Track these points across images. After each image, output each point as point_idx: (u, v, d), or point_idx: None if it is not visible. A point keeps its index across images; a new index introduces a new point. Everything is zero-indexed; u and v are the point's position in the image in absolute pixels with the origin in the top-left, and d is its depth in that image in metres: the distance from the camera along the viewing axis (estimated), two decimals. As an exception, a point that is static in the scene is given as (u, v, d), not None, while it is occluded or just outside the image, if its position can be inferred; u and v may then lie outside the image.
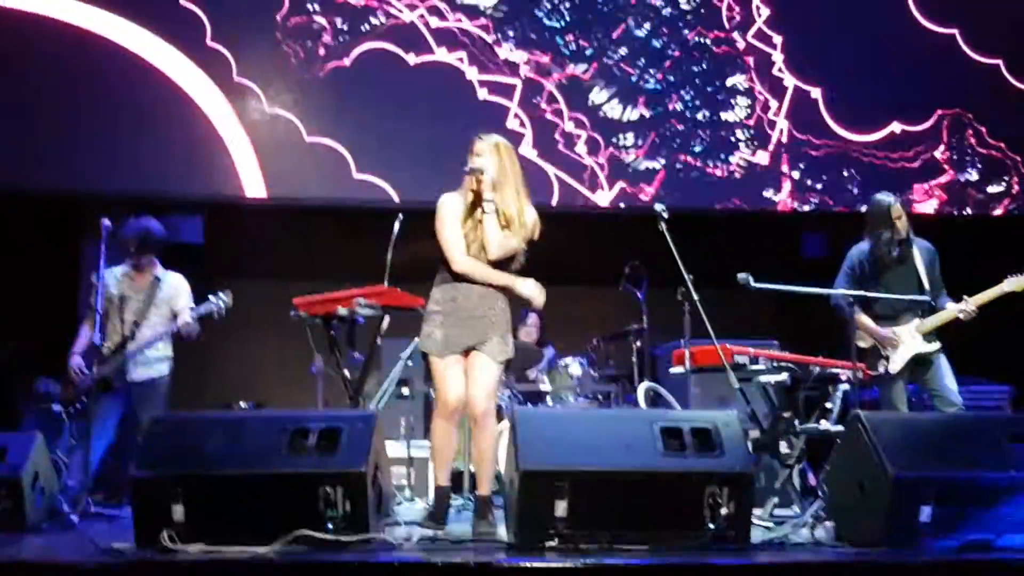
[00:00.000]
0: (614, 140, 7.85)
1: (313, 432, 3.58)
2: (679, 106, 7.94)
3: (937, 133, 8.03)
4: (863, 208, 5.82)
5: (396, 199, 7.55)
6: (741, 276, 4.74)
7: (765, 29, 8.03)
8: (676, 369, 5.03)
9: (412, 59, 7.69)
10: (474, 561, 3.28)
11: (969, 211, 8.05)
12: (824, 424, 4.83)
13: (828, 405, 4.93)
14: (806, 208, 7.98)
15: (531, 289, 4.16)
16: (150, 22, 7.43)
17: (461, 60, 7.74)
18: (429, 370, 4.32)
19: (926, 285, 5.29)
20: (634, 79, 7.91)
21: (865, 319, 5.24)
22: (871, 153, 7.96)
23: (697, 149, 7.91)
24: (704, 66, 7.97)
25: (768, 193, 7.96)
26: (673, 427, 3.64)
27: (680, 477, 3.51)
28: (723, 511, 3.46)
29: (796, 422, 4.78)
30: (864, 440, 3.61)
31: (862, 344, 5.19)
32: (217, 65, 7.48)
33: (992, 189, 8.07)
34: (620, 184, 7.83)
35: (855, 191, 7.91)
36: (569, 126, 7.82)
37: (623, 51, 7.92)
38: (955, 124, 8.02)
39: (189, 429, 3.74)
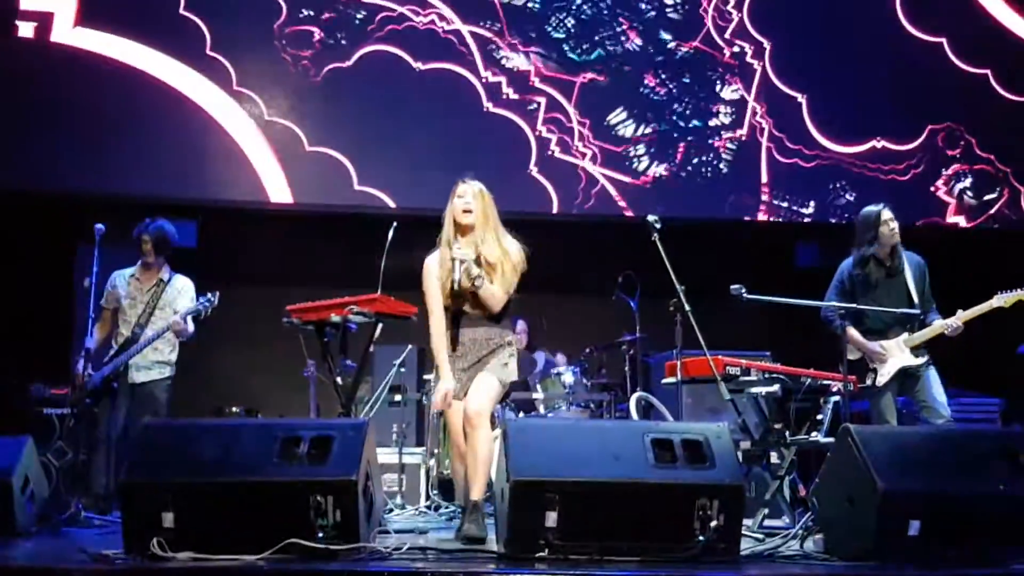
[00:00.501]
0: (610, 150, 7.87)
1: (304, 441, 3.56)
2: (673, 117, 7.98)
3: (927, 145, 8.07)
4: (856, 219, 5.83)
5: (392, 205, 7.56)
6: (734, 288, 4.76)
7: (759, 38, 8.08)
8: (668, 380, 5.04)
9: (414, 65, 7.72)
10: (464, 572, 3.28)
11: (962, 222, 8.09)
12: (815, 435, 4.84)
13: (819, 417, 4.94)
14: (800, 219, 8.03)
15: (439, 390, 4.23)
16: (150, 31, 7.46)
17: (460, 67, 7.78)
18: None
19: (915, 299, 5.30)
20: (635, 90, 7.96)
21: (854, 332, 5.25)
22: (863, 165, 8.01)
23: (690, 160, 7.94)
24: (696, 77, 8.02)
25: (760, 204, 7.99)
26: (664, 439, 3.63)
27: (670, 489, 3.50)
28: (713, 523, 3.46)
29: (787, 433, 4.80)
30: (854, 454, 3.61)
31: (851, 357, 5.20)
32: (217, 73, 7.50)
33: (984, 197, 8.13)
34: (614, 194, 7.85)
35: (847, 201, 7.95)
36: (565, 136, 7.84)
37: (625, 63, 7.96)
38: (946, 136, 8.08)
39: (180, 436, 3.71)
